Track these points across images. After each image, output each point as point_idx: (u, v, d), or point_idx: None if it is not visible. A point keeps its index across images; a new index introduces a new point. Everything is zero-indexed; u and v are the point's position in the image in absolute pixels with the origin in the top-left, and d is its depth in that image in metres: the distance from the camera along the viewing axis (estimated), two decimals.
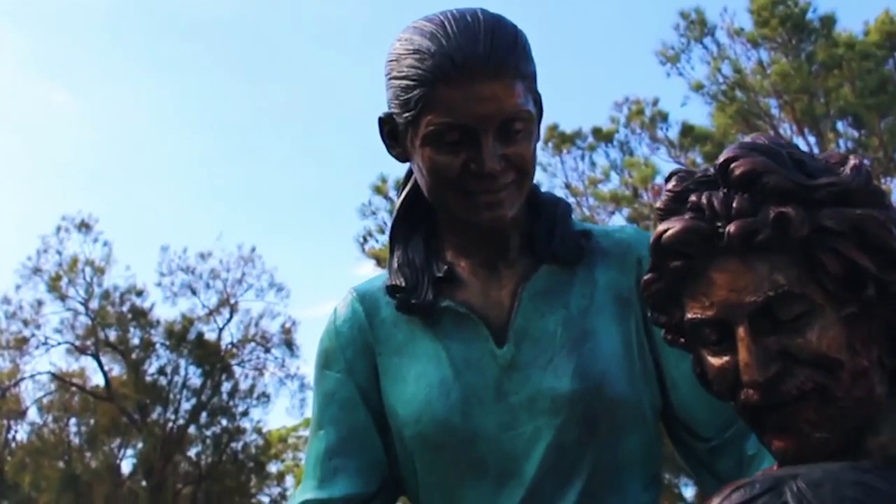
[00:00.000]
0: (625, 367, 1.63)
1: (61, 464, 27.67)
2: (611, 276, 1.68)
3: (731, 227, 1.14)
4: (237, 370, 26.80)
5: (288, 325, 26.75)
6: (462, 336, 1.65)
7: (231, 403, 26.76)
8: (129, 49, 36.60)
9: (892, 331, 1.17)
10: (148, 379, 26.03)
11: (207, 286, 26.22)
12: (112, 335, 25.78)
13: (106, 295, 25.61)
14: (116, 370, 26.40)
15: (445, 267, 1.67)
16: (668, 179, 1.24)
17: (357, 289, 1.75)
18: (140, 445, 26.55)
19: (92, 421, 27.60)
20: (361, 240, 20.37)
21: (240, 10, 37.64)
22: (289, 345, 26.78)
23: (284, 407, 29.58)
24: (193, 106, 37.41)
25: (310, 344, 28.88)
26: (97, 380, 27.23)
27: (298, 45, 39.23)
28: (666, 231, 1.18)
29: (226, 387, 26.65)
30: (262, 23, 38.67)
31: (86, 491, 26.77)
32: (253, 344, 26.73)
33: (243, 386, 26.86)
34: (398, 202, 1.75)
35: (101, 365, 25.80)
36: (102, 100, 36.10)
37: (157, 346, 26.02)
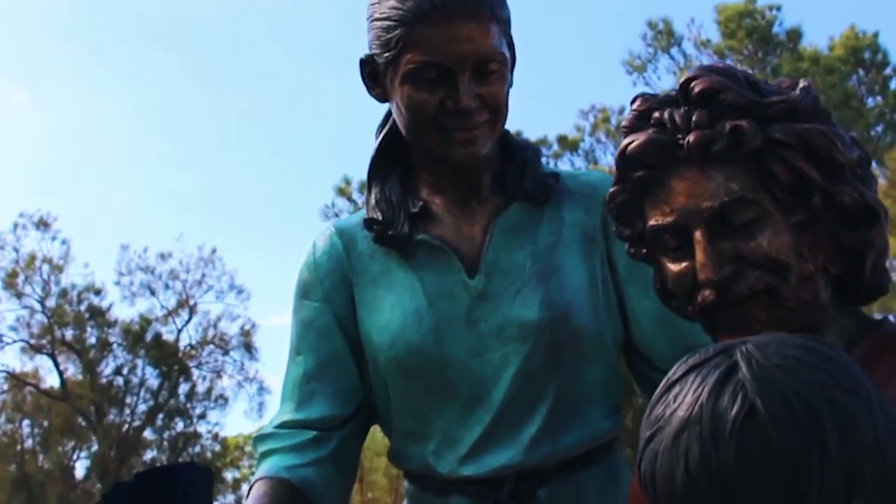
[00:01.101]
0: (589, 300, 1.73)
1: (13, 466, 27.39)
2: (577, 215, 1.77)
3: (691, 138, 1.24)
4: (195, 372, 26.69)
5: (247, 328, 26.69)
6: (435, 268, 1.74)
7: (188, 406, 26.65)
8: (90, 51, 36.46)
9: (835, 240, 1.28)
10: (104, 379, 25.86)
11: (167, 287, 26.13)
12: (69, 334, 25.62)
13: (63, 293, 25.47)
14: (71, 370, 26.23)
15: (421, 203, 1.76)
16: (633, 102, 1.34)
17: (335, 224, 1.84)
18: (95, 447, 26.36)
19: (46, 422, 27.36)
20: None
21: (203, 14, 37.59)
22: (248, 347, 26.72)
23: (242, 410, 29.41)
24: (155, 108, 37.29)
25: (269, 351, 28.85)
26: (51, 380, 27.03)
27: (261, 49, 39.23)
28: (630, 143, 1.28)
29: (183, 389, 26.54)
30: (225, 27, 38.63)
31: (38, 492, 26.52)
32: (211, 346, 26.65)
33: (201, 388, 26.76)
34: (376, 142, 1.84)
35: (56, 364, 25.62)
36: (63, 101, 35.91)
37: (115, 346, 25.87)
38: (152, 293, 26.06)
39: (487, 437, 1.69)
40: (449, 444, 1.71)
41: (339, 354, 1.77)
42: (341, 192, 20.88)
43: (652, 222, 1.29)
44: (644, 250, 1.35)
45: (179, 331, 26.19)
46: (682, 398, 0.98)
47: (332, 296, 1.78)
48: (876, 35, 21.50)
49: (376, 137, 1.85)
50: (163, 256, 26.23)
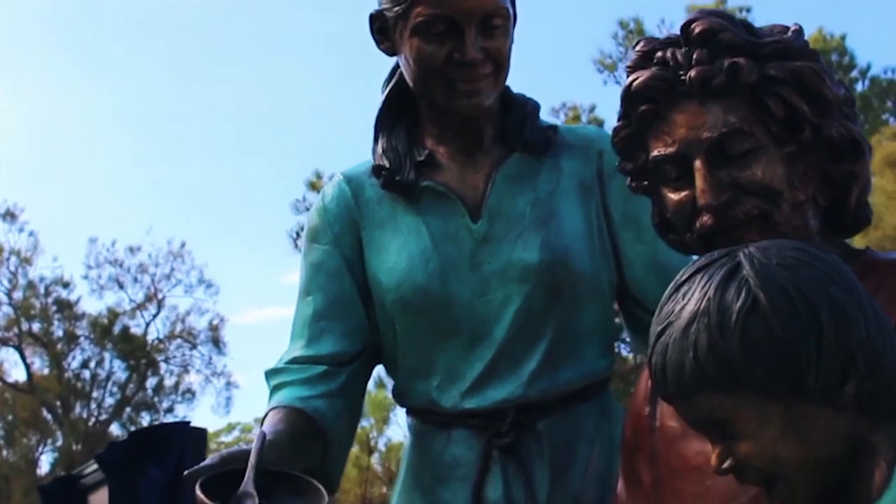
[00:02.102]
0: (586, 245, 1.82)
1: None
2: (575, 165, 1.87)
3: (692, 73, 1.34)
4: (163, 366, 26.61)
5: (216, 323, 26.64)
6: (440, 213, 1.83)
7: (156, 400, 26.56)
8: (61, 43, 36.23)
9: (824, 172, 1.38)
10: (71, 373, 25.74)
11: (135, 280, 26.02)
12: (35, 327, 25.48)
13: (31, 286, 25.32)
14: (38, 364, 26.08)
15: (426, 152, 1.86)
16: (636, 44, 1.43)
17: (344, 172, 1.93)
18: (60, 441, 26.24)
19: (11, 416, 27.19)
20: (294, 235, 20.41)
21: (176, 8, 37.46)
22: (216, 342, 26.67)
23: (210, 405, 29.32)
24: (125, 102, 37.12)
25: (238, 347, 28.79)
26: (17, 373, 26.86)
27: (232, 44, 39.15)
28: (635, 79, 1.38)
29: (151, 382, 26.45)
30: (195, 22, 38.53)
31: (3, 486, 26.36)
32: (179, 340, 26.58)
33: (168, 382, 26.68)
34: (384, 95, 1.93)
35: (23, 357, 25.46)
36: (33, 93, 35.64)
37: (82, 339, 25.74)
38: (121, 287, 25.97)
39: (489, 372, 1.78)
40: (452, 380, 1.80)
41: (347, 295, 1.85)
42: (312, 186, 20.90)
43: (654, 153, 1.38)
44: (645, 182, 1.45)
45: (147, 324, 26.12)
46: (690, 295, 1.08)
47: (341, 239, 1.87)
48: (843, 38, 21.84)
49: (382, 91, 1.94)
50: (132, 250, 26.13)
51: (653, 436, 1.49)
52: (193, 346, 26.60)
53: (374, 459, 18.98)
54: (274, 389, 1.80)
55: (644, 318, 1.87)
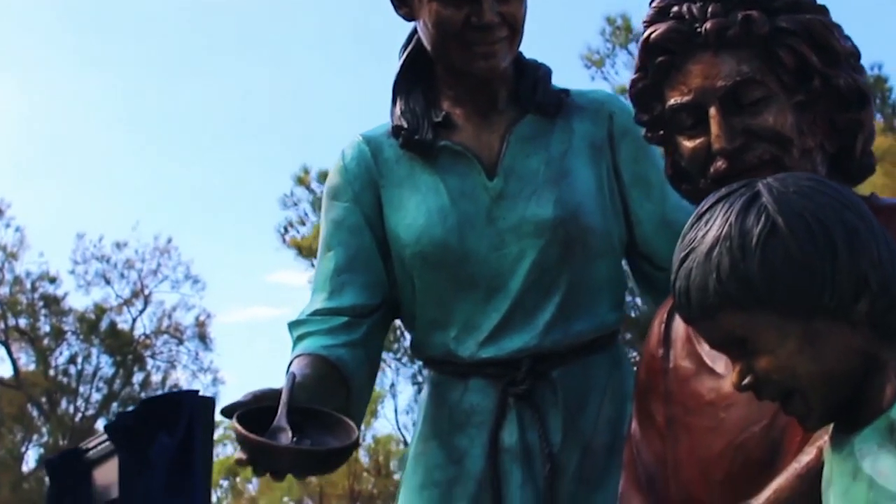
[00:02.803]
0: (597, 202, 1.90)
1: None
2: (586, 127, 1.95)
3: (707, 25, 1.42)
4: (149, 362, 26.60)
5: (202, 318, 26.64)
6: (457, 171, 1.90)
7: (142, 395, 26.53)
8: (48, 41, 36.12)
9: (831, 121, 1.46)
10: (58, 368, 25.71)
11: (122, 276, 26.01)
12: (22, 322, 25.43)
13: (17, 281, 25.28)
14: (24, 359, 26.03)
15: (443, 113, 1.93)
16: (652, 0, 1.51)
17: (363, 134, 2.00)
18: (46, 436, 26.19)
19: None
20: (282, 230, 20.46)
21: (165, 7, 37.44)
22: (202, 338, 26.67)
23: None
24: (113, 99, 37.04)
25: (223, 346, 28.73)
26: (3, 369, 26.81)
27: (219, 39, 39.13)
28: (653, 32, 1.46)
29: (137, 378, 26.44)
30: (188, 20, 38.50)
31: None
32: (166, 336, 26.57)
33: (155, 378, 26.66)
34: (401, 59, 2.00)
35: (10, 353, 25.42)
36: (19, 89, 35.55)
37: (69, 334, 25.71)
38: (107, 282, 25.95)
39: (505, 322, 1.85)
40: (469, 331, 1.87)
41: (367, 250, 1.92)
42: (300, 181, 20.96)
43: (671, 102, 1.46)
44: (661, 132, 1.52)
45: (134, 320, 26.10)
46: (712, 222, 1.15)
47: (361, 197, 1.94)
48: None
49: (399, 56, 2.01)
50: (118, 245, 26.11)
51: (666, 377, 1.56)
52: (180, 342, 26.60)
53: (362, 452, 19.08)
54: (297, 339, 1.86)
55: (652, 274, 1.96)
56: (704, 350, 1.50)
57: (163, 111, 36.43)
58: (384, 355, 18.00)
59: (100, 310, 25.69)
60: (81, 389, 25.86)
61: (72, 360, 25.89)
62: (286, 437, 1.51)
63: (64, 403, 25.85)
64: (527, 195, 1.88)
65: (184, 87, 37.04)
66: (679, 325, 1.57)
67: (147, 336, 26.38)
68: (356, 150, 1.97)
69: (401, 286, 1.94)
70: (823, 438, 1.20)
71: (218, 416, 3.19)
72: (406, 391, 19.16)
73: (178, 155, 36.28)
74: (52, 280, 25.74)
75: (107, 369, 26.04)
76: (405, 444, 18.10)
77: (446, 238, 1.87)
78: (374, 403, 18.37)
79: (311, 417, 1.59)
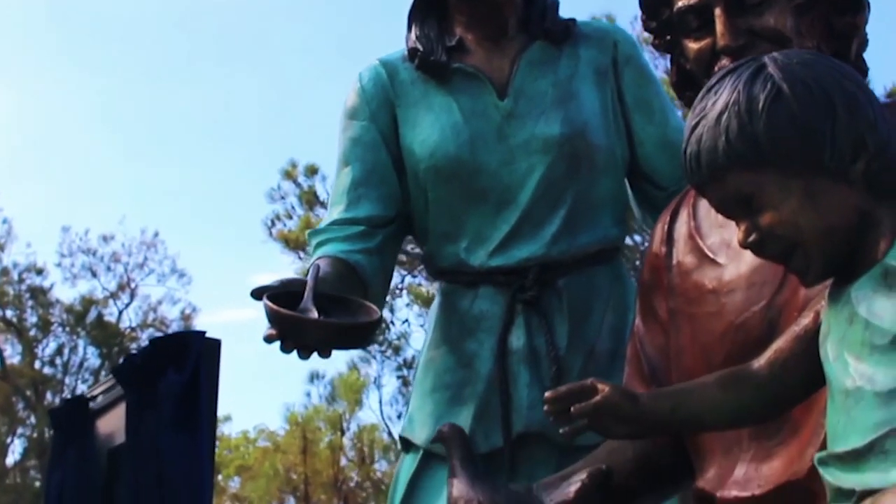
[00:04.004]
0: (602, 122, 2.00)
1: None
2: (592, 54, 2.05)
3: None
4: None
5: (188, 312, 26.64)
6: (470, 91, 2.00)
7: None
8: (41, 41, 36.01)
9: (828, 25, 1.55)
10: (44, 359, 25.68)
11: (108, 269, 26.01)
12: (9, 313, 25.40)
13: (4, 272, 25.24)
14: (10, 350, 25.99)
15: (456, 38, 2.03)
16: None
17: (379, 58, 2.10)
18: (32, 427, 26.15)
19: None
20: (269, 223, 20.47)
21: (156, 7, 37.37)
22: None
23: None
24: (103, 96, 36.89)
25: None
26: None
27: (209, 33, 39.12)
28: None
29: None
30: (176, 16, 38.44)
31: None
32: (152, 329, 26.55)
33: None
34: None
35: None
36: (10, 85, 35.45)
37: (55, 326, 25.69)
38: (94, 275, 25.94)
39: (514, 233, 1.95)
40: (480, 241, 1.96)
41: (382, 165, 2.02)
42: (287, 174, 20.96)
43: (678, 5, 1.55)
44: (668, 37, 1.62)
45: (120, 313, 26.10)
46: (721, 91, 1.24)
47: (377, 116, 2.03)
48: None
49: None
50: (105, 239, 26.10)
51: (669, 273, 1.65)
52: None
53: (346, 442, 19.19)
54: (317, 246, 1.95)
55: (651, 193, 2.05)
56: (706, 244, 1.59)
57: (150, 109, 36.34)
58: (370, 348, 18.06)
59: (88, 302, 25.69)
60: (67, 381, 25.83)
61: (58, 351, 25.88)
62: (313, 315, 1.59)
63: (50, 395, 25.82)
64: (536, 114, 1.97)
65: (171, 87, 37.00)
66: (681, 225, 1.66)
67: (133, 329, 26.37)
68: (373, 72, 2.07)
69: (414, 201, 2.03)
70: (820, 304, 1.29)
71: (223, 361, 3.25)
72: (390, 383, 19.29)
73: (166, 152, 36.15)
74: (40, 272, 25.72)
75: (93, 361, 26.03)
76: (389, 434, 18.21)
77: (459, 153, 1.96)
78: (358, 394, 18.48)
79: (335, 303, 1.67)
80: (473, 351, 1.95)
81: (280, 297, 1.62)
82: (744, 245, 1.26)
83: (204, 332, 3.31)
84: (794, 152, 1.20)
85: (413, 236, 2.09)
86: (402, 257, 16.29)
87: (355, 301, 1.70)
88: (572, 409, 1.32)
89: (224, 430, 24.99)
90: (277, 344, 1.58)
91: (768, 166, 1.21)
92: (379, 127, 2.03)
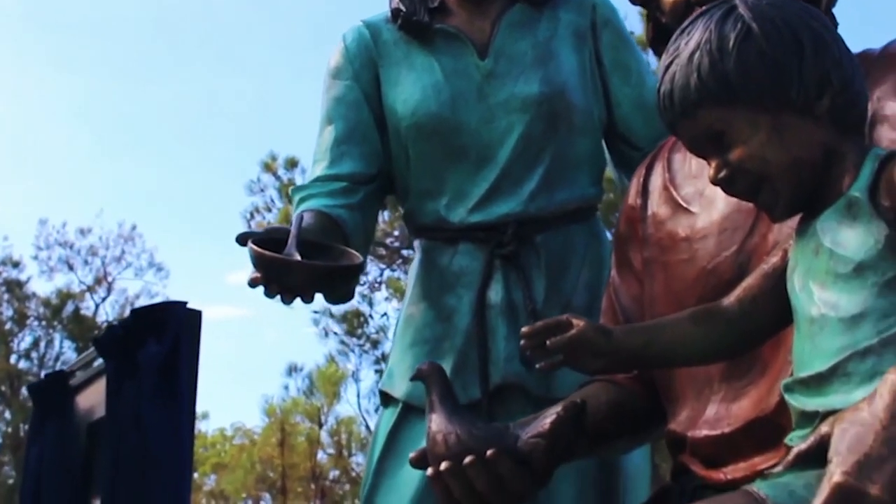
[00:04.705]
0: (580, 83, 2.04)
1: None
2: (571, 17, 2.10)
3: None
4: None
5: None
6: (451, 52, 2.04)
7: None
8: (21, 38, 35.79)
9: None
10: (20, 352, 25.55)
11: (85, 262, 25.91)
12: None
13: None
14: None
15: (438, 0, 2.07)
16: None
17: (363, 20, 2.14)
18: (7, 423, 26.01)
19: None
20: (249, 216, 20.45)
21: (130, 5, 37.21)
22: None
23: None
24: (81, 90, 36.77)
25: None
26: None
27: (188, 32, 38.99)
28: None
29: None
30: (158, 7, 38.28)
31: None
32: None
33: None
34: None
35: None
36: None
37: (31, 319, 25.57)
38: (70, 268, 25.84)
39: (493, 190, 1.99)
40: (460, 198, 2.00)
41: (365, 124, 2.06)
42: (267, 167, 20.95)
43: None
44: None
45: (97, 306, 26.00)
46: (693, 32, 1.29)
47: (360, 75, 2.07)
48: None
49: None
50: (82, 232, 26.01)
51: (644, 224, 1.69)
52: None
53: (324, 434, 19.22)
54: (300, 202, 1.99)
55: (628, 154, 2.10)
56: (680, 195, 1.63)
57: (128, 105, 36.21)
58: (347, 340, 18.08)
59: (64, 295, 25.58)
60: (43, 375, 25.69)
61: (34, 345, 25.76)
62: (297, 259, 1.62)
63: (25, 390, 25.65)
64: (515, 74, 2.02)
65: (150, 82, 36.85)
66: (656, 177, 1.70)
67: (110, 322, 26.27)
68: (356, 32, 2.11)
69: (396, 159, 2.07)
70: (788, 243, 1.33)
71: (203, 332, 3.26)
72: (368, 377, 19.26)
73: (144, 147, 36.05)
74: (16, 264, 25.60)
75: (69, 354, 25.87)
76: (367, 427, 18.22)
77: (440, 111, 2.00)
78: (336, 386, 18.51)
79: (318, 249, 1.71)
80: (452, 306, 1.99)
81: (264, 243, 1.65)
82: (714, 181, 1.30)
83: (185, 303, 3.32)
84: (762, 88, 1.24)
85: (394, 195, 2.13)
86: (382, 251, 16.33)
87: (337, 248, 1.74)
88: (548, 342, 1.35)
89: (201, 427, 24.99)
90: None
91: (738, 103, 1.25)
92: (362, 86, 2.07)
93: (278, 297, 1.64)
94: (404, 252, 15.52)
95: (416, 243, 2.10)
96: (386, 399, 2.03)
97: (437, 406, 1.42)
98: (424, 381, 1.46)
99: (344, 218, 1.94)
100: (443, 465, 1.39)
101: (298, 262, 1.61)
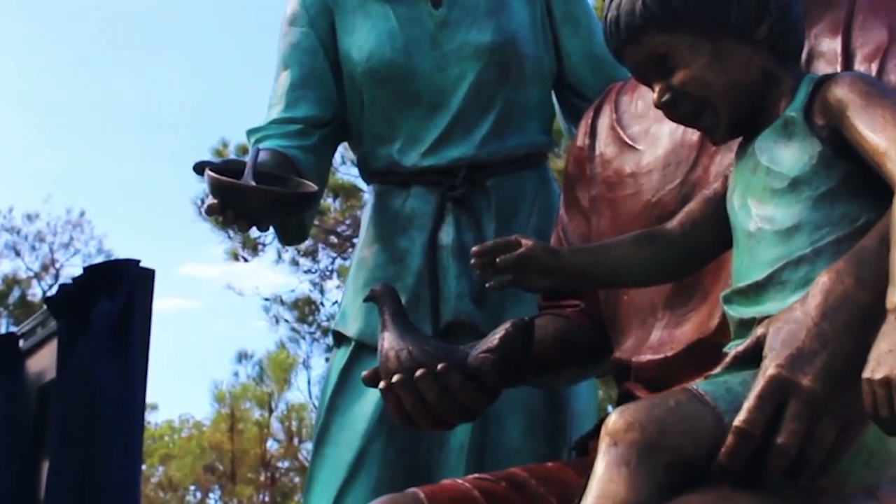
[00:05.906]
0: (531, 33, 2.10)
1: None
2: None
3: None
4: None
5: None
6: (406, 1, 2.08)
7: None
8: None
9: None
10: None
11: (32, 248, 25.59)
12: None
13: None
14: None
15: None
16: None
17: None
18: None
19: None
20: (199, 202, 20.35)
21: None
22: None
23: None
24: (30, 74, 36.30)
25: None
26: None
27: (139, 21, 38.61)
28: None
29: None
30: (98, 4, 37.87)
31: None
32: None
33: None
34: None
35: None
36: None
37: None
38: (17, 254, 25.52)
39: (445, 135, 2.04)
40: (412, 143, 2.05)
41: (320, 69, 2.10)
42: (219, 154, 20.85)
43: None
44: None
45: (45, 293, 25.69)
46: None
47: (316, 22, 2.11)
48: None
49: None
50: (29, 217, 25.68)
51: (591, 163, 1.74)
52: None
53: (274, 422, 19.18)
54: (255, 142, 2.02)
55: (577, 104, 2.16)
56: (627, 133, 1.69)
57: (76, 91, 35.81)
58: (299, 327, 18.04)
59: (10, 281, 25.28)
60: None
61: None
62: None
63: None
64: (468, 23, 2.07)
65: (98, 69, 36.47)
66: (604, 119, 1.75)
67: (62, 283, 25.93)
68: None
69: (350, 105, 2.11)
70: (729, 169, 1.39)
71: (156, 289, 3.26)
72: (319, 365, 19.30)
73: (93, 134, 35.66)
74: None
75: None
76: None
77: (394, 57, 2.04)
78: (287, 373, 18.48)
79: (274, 180, 1.74)
80: (405, 247, 2.03)
81: (222, 172, 1.68)
82: (658, 104, 1.35)
83: (139, 261, 3.32)
84: (703, 13, 1.30)
85: (348, 140, 2.17)
86: (334, 239, 16.34)
87: (293, 179, 1.78)
88: (497, 261, 1.40)
89: (150, 418, 24.81)
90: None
91: (681, 28, 1.31)
92: (318, 33, 2.11)
93: (234, 226, 1.67)
94: (356, 241, 15.56)
95: (369, 188, 2.14)
96: (339, 339, 2.07)
97: (389, 324, 1.46)
98: (377, 301, 1.50)
99: (299, 158, 1.97)
100: (394, 378, 1.43)
101: (255, 187, 1.64)
